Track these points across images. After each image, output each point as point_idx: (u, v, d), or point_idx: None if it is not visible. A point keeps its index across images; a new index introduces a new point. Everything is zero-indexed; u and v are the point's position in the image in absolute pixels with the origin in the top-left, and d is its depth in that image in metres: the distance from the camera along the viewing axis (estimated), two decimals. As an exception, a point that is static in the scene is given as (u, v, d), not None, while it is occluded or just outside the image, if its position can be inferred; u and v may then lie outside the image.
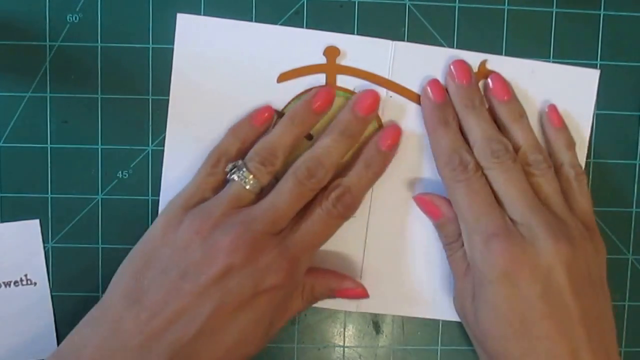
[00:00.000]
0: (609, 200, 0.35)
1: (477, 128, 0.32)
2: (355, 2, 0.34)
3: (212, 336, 0.28)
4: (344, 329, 0.35)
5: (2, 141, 0.34)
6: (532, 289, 0.29)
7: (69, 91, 0.34)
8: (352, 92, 0.34)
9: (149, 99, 0.34)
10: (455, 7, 0.34)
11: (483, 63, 0.34)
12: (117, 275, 0.30)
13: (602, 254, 0.32)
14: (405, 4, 0.34)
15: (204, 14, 0.34)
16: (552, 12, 0.34)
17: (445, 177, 0.32)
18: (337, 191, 0.31)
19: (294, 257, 0.30)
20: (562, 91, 0.34)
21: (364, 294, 0.34)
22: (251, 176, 0.30)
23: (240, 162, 0.31)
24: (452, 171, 0.31)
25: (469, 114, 0.32)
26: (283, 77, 0.34)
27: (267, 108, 0.33)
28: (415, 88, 0.34)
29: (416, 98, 0.34)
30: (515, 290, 0.29)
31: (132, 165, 0.34)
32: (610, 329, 0.31)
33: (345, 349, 0.35)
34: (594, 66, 0.35)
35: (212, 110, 0.34)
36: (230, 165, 0.31)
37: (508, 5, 0.34)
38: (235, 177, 0.31)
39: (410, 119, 0.34)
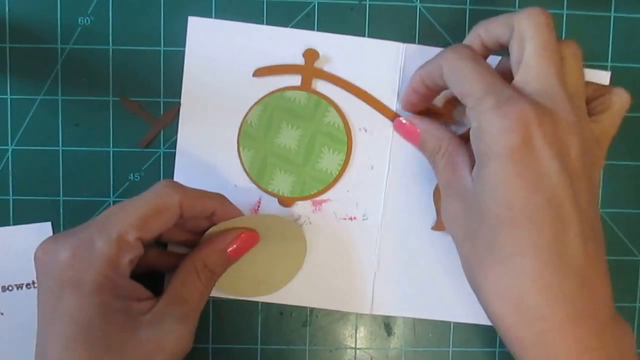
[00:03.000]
0: (620, 201, 0.35)
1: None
2: (366, 5, 0.34)
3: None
4: (356, 331, 0.35)
5: (14, 144, 0.34)
6: (550, 163, 0.25)
7: (80, 94, 0.34)
8: (325, 97, 0.34)
9: (160, 102, 0.34)
10: (465, 9, 0.34)
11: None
12: None
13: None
14: (416, 6, 0.34)
15: (215, 17, 0.34)
16: (563, 14, 0.34)
17: (448, 57, 0.28)
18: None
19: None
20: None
21: (255, 236, 0.32)
22: None
23: None
24: (456, 49, 0.29)
25: None
26: (259, 72, 0.34)
27: None
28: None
29: (390, 114, 0.34)
30: (528, 165, 0.25)
31: (143, 168, 0.34)
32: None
33: (357, 350, 0.35)
34: (604, 68, 0.35)
35: (224, 112, 0.34)
36: None
37: (518, 7, 0.34)
38: None
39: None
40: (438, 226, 0.34)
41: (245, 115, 0.34)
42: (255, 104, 0.34)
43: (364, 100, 0.34)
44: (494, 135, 0.26)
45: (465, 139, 0.30)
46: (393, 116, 0.34)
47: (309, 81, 0.34)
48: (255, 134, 0.34)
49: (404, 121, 0.33)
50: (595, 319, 0.25)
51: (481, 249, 0.27)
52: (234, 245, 0.31)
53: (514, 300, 0.26)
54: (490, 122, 0.26)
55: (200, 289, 0.30)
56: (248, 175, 0.34)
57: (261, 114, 0.34)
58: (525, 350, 0.26)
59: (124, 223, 0.27)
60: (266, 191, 0.34)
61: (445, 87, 0.30)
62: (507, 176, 0.26)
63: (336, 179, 0.34)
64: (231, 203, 0.32)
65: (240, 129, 0.34)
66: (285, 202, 0.34)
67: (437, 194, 0.34)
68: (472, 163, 0.29)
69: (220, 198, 0.31)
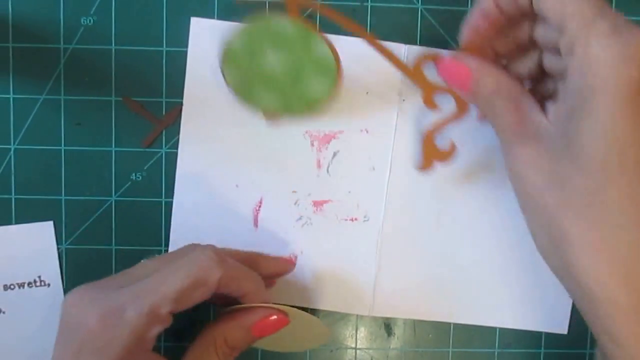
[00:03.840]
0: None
1: None
2: (368, 6, 0.34)
3: None
4: (356, 331, 0.35)
5: (16, 143, 0.34)
6: None
7: (82, 94, 0.34)
8: (313, 29, 0.31)
9: (162, 102, 0.34)
10: (467, 11, 0.34)
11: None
12: None
13: None
14: (418, 8, 0.34)
15: (217, 18, 0.34)
16: (564, 17, 0.35)
17: None
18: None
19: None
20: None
21: (284, 320, 0.29)
22: None
23: None
24: None
25: None
26: None
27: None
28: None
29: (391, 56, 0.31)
30: None
31: (145, 168, 0.35)
32: None
33: (358, 351, 0.35)
34: (605, 70, 0.35)
35: (226, 113, 0.34)
36: None
37: (520, 9, 0.34)
38: None
39: (425, 122, 0.34)
40: (423, 166, 0.32)
41: (227, 44, 0.31)
42: (238, 33, 0.31)
43: (362, 37, 0.31)
44: (610, 65, 0.22)
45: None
46: (394, 59, 0.31)
47: (294, 9, 0.30)
48: (240, 61, 0.31)
49: (448, 61, 0.28)
50: None
51: (576, 198, 0.24)
52: (261, 326, 0.29)
53: (618, 258, 0.23)
54: (606, 50, 0.22)
55: None
56: (235, 95, 0.32)
57: (245, 42, 0.31)
58: (620, 313, 0.23)
59: (159, 294, 0.25)
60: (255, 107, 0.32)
61: (526, 15, 0.26)
62: (622, 115, 0.22)
63: (324, 105, 0.32)
64: (264, 287, 0.29)
65: (222, 55, 0.31)
66: (270, 116, 0.33)
67: (426, 138, 0.32)
68: (538, 103, 0.26)
69: (256, 281, 0.29)
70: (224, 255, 0.28)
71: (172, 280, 0.26)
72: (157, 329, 0.25)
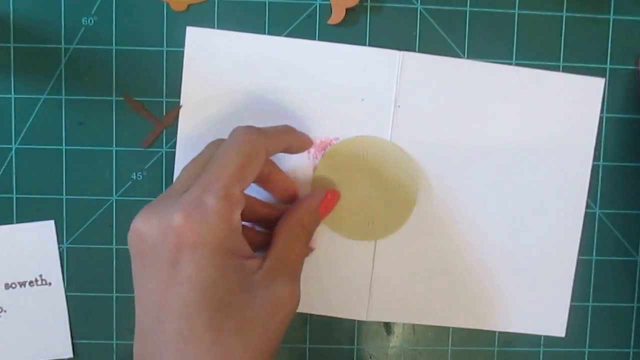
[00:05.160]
0: (618, 202, 0.35)
1: None
2: (367, 6, 0.34)
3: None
4: (356, 330, 0.35)
5: (17, 143, 0.34)
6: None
7: (84, 93, 0.34)
8: None
9: (163, 101, 0.34)
10: (466, 11, 0.34)
11: None
12: None
13: None
14: (417, 9, 0.34)
15: (217, 16, 0.34)
16: (562, 16, 0.35)
17: None
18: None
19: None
20: (567, 100, 0.34)
21: (337, 194, 0.33)
22: None
23: None
24: None
25: None
26: None
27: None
28: (424, 99, 0.34)
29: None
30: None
31: (146, 167, 0.35)
32: None
33: (357, 349, 0.36)
34: (603, 70, 0.35)
35: (222, 119, 0.34)
36: None
37: (519, 9, 0.35)
38: None
39: (420, 130, 0.34)
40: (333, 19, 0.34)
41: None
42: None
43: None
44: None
45: None
46: None
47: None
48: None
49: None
50: None
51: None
52: (325, 203, 0.32)
53: None
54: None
55: (301, 248, 0.30)
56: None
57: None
58: None
59: (226, 177, 0.26)
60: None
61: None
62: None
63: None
64: (299, 132, 0.33)
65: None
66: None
67: None
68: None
69: (288, 130, 0.31)
70: (256, 127, 0.29)
71: (229, 162, 0.26)
72: (238, 210, 0.26)
